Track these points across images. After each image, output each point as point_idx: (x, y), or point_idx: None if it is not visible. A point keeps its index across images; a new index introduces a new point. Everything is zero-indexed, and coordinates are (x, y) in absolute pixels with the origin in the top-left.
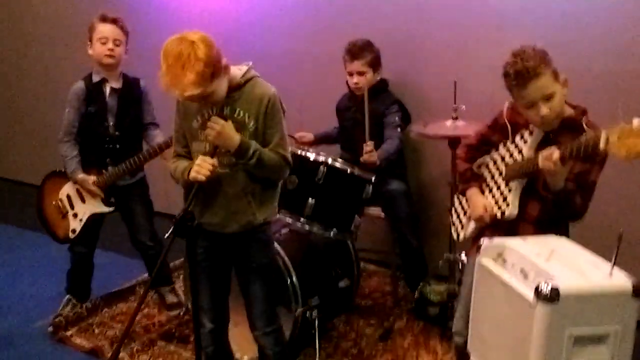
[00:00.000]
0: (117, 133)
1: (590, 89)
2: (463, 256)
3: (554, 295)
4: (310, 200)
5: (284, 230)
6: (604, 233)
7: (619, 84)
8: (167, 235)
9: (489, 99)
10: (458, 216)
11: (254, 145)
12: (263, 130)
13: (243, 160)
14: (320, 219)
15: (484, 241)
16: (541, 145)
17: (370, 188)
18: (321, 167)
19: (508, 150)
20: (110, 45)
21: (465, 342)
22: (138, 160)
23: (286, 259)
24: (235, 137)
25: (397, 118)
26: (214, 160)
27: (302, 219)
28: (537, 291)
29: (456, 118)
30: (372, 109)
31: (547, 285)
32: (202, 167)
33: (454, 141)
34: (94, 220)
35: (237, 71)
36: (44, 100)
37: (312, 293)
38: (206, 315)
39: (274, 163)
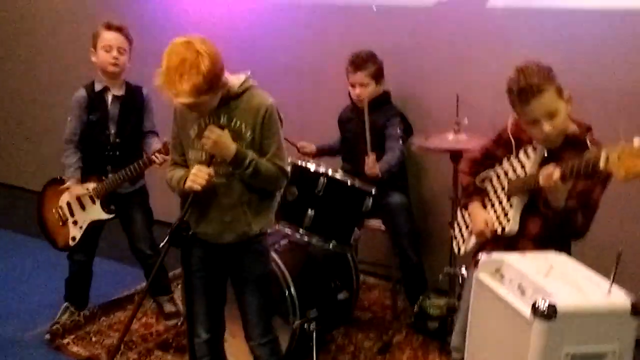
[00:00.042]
0: (117, 140)
1: (593, 106)
2: (463, 270)
3: (551, 313)
4: (310, 212)
5: (283, 241)
6: (604, 251)
7: (622, 101)
8: (162, 244)
9: (492, 113)
10: (460, 230)
11: (250, 154)
12: (260, 140)
13: (239, 169)
14: (319, 231)
15: (482, 256)
16: (544, 162)
17: (370, 200)
18: (321, 179)
19: (511, 165)
20: (114, 53)
21: (463, 358)
22: (138, 167)
23: (285, 270)
24: (232, 147)
25: (398, 130)
26: (210, 170)
27: (301, 230)
28: (534, 308)
29: (458, 131)
30: (373, 121)
31: (545, 302)
32: (198, 176)
33: (455, 154)
34: (94, 228)
35: (235, 80)
36: (46, 107)
37: (311, 305)
38: (202, 325)
39: (270, 173)
